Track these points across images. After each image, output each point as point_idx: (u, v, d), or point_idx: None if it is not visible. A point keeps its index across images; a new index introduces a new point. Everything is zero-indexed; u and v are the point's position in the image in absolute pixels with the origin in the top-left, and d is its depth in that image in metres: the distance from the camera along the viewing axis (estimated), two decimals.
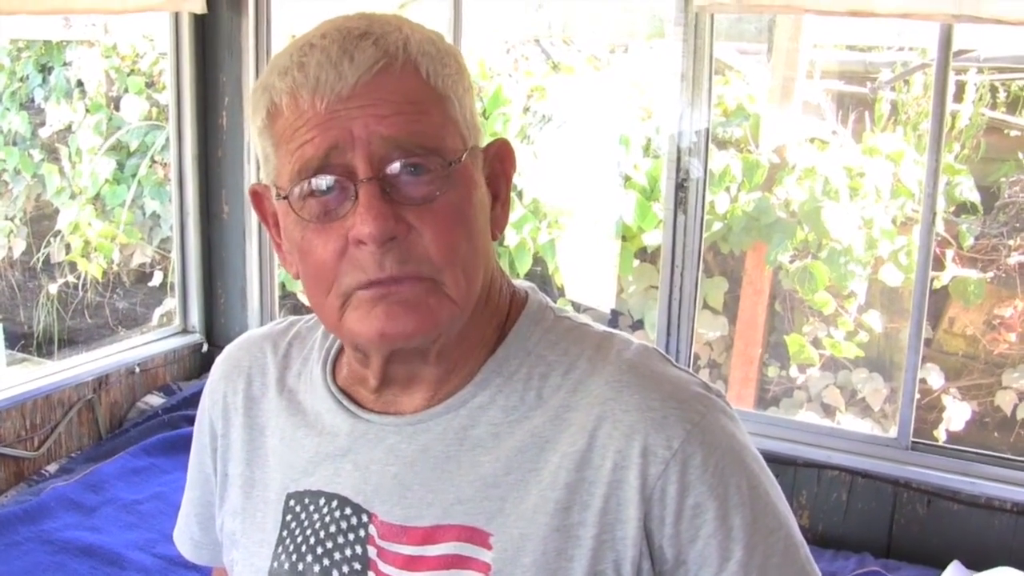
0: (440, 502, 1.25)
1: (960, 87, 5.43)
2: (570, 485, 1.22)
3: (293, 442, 1.37)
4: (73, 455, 4.12)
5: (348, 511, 1.30)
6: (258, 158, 1.27)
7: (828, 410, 5.61)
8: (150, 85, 6.82)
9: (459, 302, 1.21)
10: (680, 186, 3.84)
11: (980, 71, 5.51)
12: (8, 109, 7.25)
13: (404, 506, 1.27)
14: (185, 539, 1.57)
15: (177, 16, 4.51)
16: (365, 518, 1.29)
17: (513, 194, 5.57)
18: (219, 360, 1.51)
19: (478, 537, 1.24)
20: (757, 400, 5.72)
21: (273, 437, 1.40)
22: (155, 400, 4.46)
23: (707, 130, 3.83)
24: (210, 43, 4.59)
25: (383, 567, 1.27)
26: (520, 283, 1.38)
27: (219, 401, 1.46)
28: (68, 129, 7.10)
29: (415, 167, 1.17)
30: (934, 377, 5.42)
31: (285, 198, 1.20)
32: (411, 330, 1.20)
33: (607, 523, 1.21)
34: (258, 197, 1.31)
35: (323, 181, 1.17)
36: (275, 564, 1.34)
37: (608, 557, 1.21)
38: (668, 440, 1.20)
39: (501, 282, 1.34)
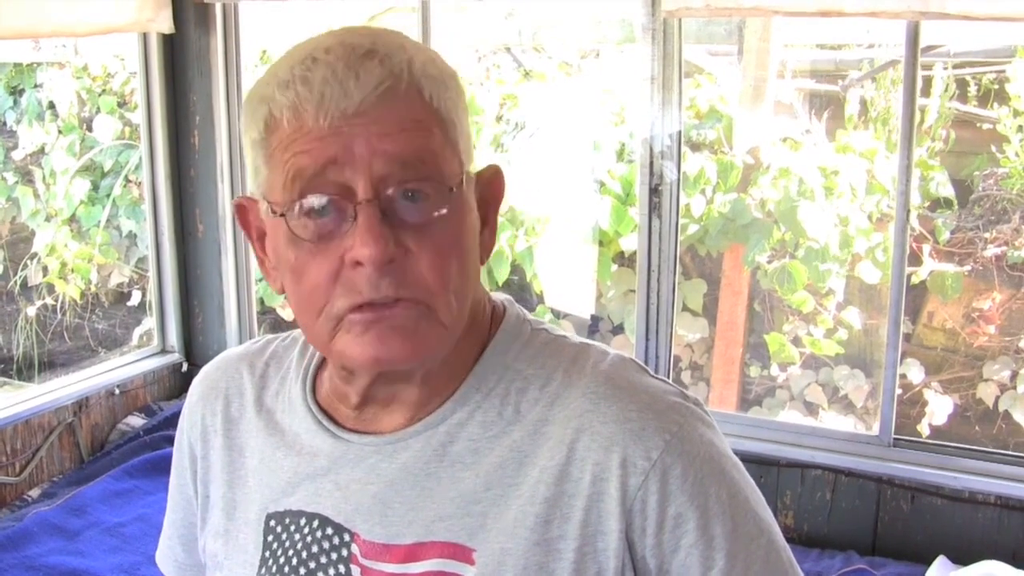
0: (422, 519, 1.25)
1: (927, 82, 5.44)
2: (549, 499, 1.22)
3: (272, 462, 1.36)
4: (55, 479, 4.11)
5: (330, 530, 1.29)
6: (248, 169, 1.25)
7: (811, 408, 5.62)
8: (122, 104, 6.79)
9: (449, 327, 1.21)
10: (654, 190, 3.84)
11: (949, 66, 5.52)
12: None
13: (386, 524, 1.27)
14: (168, 561, 1.56)
15: (145, 36, 4.49)
16: (347, 537, 1.28)
17: None
18: (196, 381, 1.50)
19: (461, 553, 1.24)
20: (740, 400, 5.73)
21: (252, 458, 1.39)
22: (136, 421, 4.44)
23: (679, 133, 3.83)
24: (179, 63, 4.58)
25: None
26: (497, 296, 1.38)
27: (197, 423, 1.46)
28: (41, 151, 7.07)
29: (413, 193, 1.16)
30: (915, 372, 5.44)
31: (282, 215, 1.18)
32: (405, 356, 1.20)
33: (588, 535, 1.21)
34: (243, 210, 1.29)
35: (318, 201, 1.16)
36: None
37: (590, 569, 1.21)
38: (647, 451, 1.21)
39: (484, 300, 1.34)
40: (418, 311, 1.18)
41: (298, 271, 1.20)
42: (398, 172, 1.15)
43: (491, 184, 1.29)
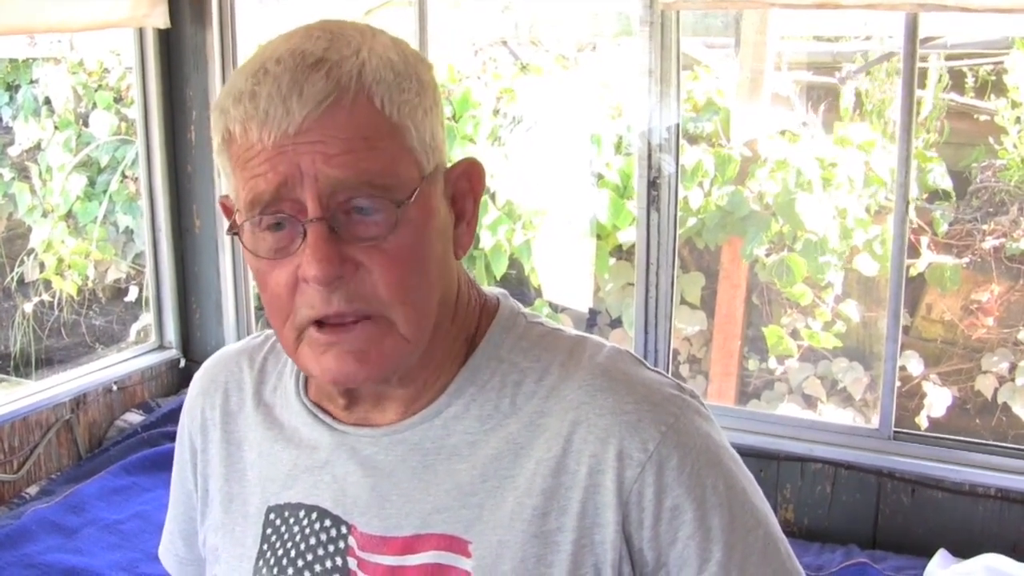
0: (419, 511, 1.26)
1: (922, 73, 5.44)
2: (547, 491, 1.22)
3: (271, 456, 1.37)
4: (53, 476, 4.09)
5: (327, 523, 1.30)
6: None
7: (810, 401, 5.62)
8: (118, 100, 6.77)
9: (412, 340, 1.21)
10: (652, 183, 3.84)
11: (947, 57, 5.52)
12: None
13: (383, 517, 1.27)
14: (170, 556, 1.57)
15: (141, 32, 4.48)
16: (344, 529, 1.29)
17: (487, 196, 5.56)
18: (197, 376, 1.51)
19: (458, 545, 1.24)
20: (738, 393, 5.73)
21: (251, 451, 1.40)
22: (134, 418, 4.42)
23: (677, 126, 3.83)
24: (175, 58, 4.56)
25: None
26: (491, 290, 1.37)
27: (197, 417, 1.46)
28: (37, 147, 7.05)
29: (363, 208, 1.16)
30: (914, 364, 5.44)
31: (236, 233, 1.20)
32: (362, 377, 1.21)
33: (585, 528, 1.21)
34: (228, 209, 1.29)
35: (271, 219, 1.17)
36: None
37: (588, 562, 1.21)
38: (643, 443, 1.20)
39: (470, 294, 1.33)
40: (378, 328, 1.18)
41: (262, 280, 1.22)
42: (344, 192, 1.14)
43: (466, 178, 1.28)
